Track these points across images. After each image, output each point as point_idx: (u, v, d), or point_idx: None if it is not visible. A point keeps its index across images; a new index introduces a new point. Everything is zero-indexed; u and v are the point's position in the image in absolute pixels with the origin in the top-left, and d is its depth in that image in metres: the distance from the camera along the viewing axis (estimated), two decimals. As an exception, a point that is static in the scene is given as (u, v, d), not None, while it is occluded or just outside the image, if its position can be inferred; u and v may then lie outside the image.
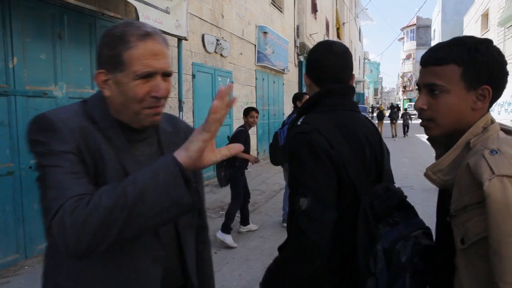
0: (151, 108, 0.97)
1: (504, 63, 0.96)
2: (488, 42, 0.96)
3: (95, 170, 0.93)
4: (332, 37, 22.52)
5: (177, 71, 5.98)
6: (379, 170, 1.33)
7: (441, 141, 1.08)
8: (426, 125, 1.02)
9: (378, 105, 39.97)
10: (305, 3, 14.59)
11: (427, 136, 1.07)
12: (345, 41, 26.92)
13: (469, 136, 0.96)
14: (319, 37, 17.33)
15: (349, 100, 1.35)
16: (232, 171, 4.39)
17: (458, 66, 0.94)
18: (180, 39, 5.61)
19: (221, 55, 7.84)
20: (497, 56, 0.95)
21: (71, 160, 0.89)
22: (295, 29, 13.95)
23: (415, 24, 51.70)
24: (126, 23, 0.98)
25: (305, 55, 13.98)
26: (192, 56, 6.75)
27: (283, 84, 12.78)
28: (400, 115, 20.88)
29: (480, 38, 0.98)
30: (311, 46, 14.92)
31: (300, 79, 15.03)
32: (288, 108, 12.20)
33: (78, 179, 0.86)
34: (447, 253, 0.98)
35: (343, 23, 26.12)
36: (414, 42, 53.13)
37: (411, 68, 54.77)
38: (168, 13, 4.74)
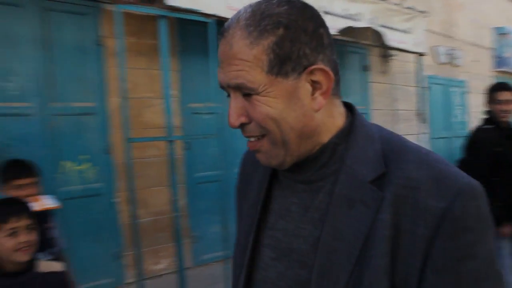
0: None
1: None
2: None
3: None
4: None
5: (415, 85, 6.34)
6: None
7: None
8: None
9: None
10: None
11: None
12: None
13: None
14: None
15: None
16: None
17: None
18: (420, 55, 5.89)
19: (453, 64, 7.61)
20: None
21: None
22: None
23: None
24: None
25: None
26: (425, 68, 6.90)
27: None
28: None
29: None
30: None
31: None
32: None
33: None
34: None
35: None
36: None
37: None
38: (410, 33, 5.12)
